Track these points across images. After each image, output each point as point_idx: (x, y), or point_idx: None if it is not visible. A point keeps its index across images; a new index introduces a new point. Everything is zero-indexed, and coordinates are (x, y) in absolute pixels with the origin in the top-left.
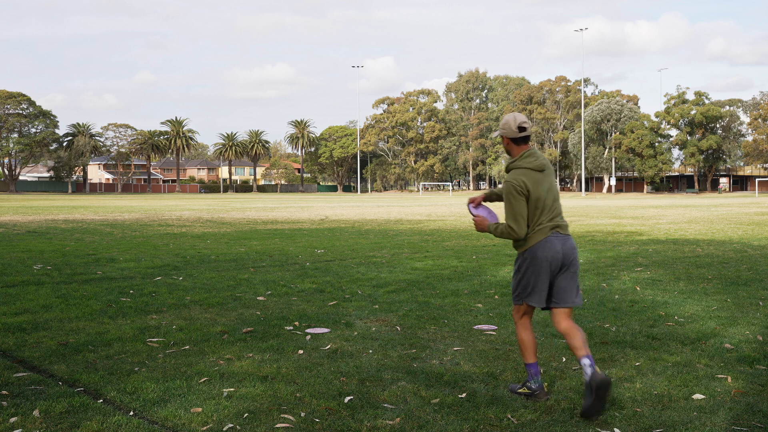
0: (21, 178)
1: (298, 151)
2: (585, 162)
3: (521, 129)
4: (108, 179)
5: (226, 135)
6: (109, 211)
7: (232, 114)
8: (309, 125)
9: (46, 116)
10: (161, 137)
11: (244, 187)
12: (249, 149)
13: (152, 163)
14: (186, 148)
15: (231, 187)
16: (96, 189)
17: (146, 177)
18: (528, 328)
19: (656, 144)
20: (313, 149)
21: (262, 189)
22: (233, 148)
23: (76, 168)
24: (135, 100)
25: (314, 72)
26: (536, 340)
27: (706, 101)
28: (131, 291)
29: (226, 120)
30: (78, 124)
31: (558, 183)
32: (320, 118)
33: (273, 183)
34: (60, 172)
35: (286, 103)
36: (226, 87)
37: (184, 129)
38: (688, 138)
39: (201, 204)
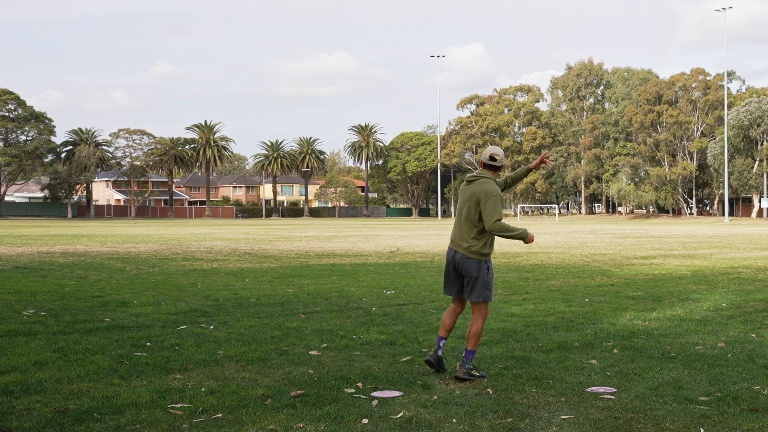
0: (7, 198)
1: (361, 164)
2: (728, 178)
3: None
4: (119, 200)
5: (269, 144)
6: (119, 240)
7: (277, 117)
8: (376, 131)
9: (40, 119)
10: (186, 147)
11: (293, 211)
12: (299, 162)
13: (175, 180)
14: (218, 161)
15: (276, 210)
16: (103, 213)
17: (167, 197)
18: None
19: None
20: (380, 162)
21: (315, 213)
22: (278, 160)
23: (78, 186)
24: (153, 99)
25: (382, 63)
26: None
27: None
28: (148, 343)
29: (270, 125)
30: (80, 129)
31: (694, 204)
32: (390, 122)
33: (329, 205)
34: (57, 191)
35: (346, 102)
36: (270, 82)
37: (215, 136)
38: None
39: (237, 232)
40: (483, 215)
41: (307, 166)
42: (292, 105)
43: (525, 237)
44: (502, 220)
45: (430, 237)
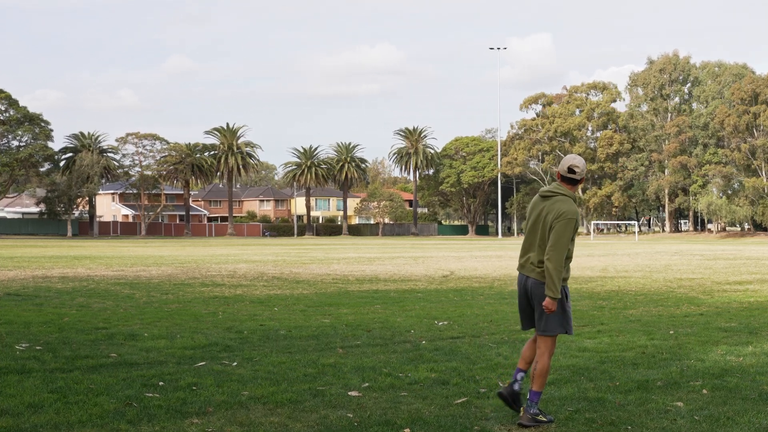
0: None
1: (408, 174)
2: None
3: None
4: (126, 216)
5: (301, 150)
6: (127, 263)
7: (311, 119)
8: (426, 136)
9: (35, 122)
10: (205, 154)
11: (330, 228)
12: (336, 171)
13: (192, 193)
14: (243, 170)
15: (309, 227)
16: (109, 230)
17: (183, 213)
18: None
19: None
20: (431, 171)
21: (355, 230)
22: (312, 169)
23: (79, 199)
24: (166, 99)
25: (433, 57)
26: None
27: None
28: (161, 383)
29: (302, 128)
30: (81, 134)
31: None
32: (442, 126)
33: (372, 222)
34: (55, 205)
35: (390, 102)
36: (302, 79)
37: (239, 141)
38: None
39: (265, 253)
40: (551, 238)
41: (346, 177)
42: (327, 105)
43: (555, 298)
44: (566, 255)
45: (489, 259)
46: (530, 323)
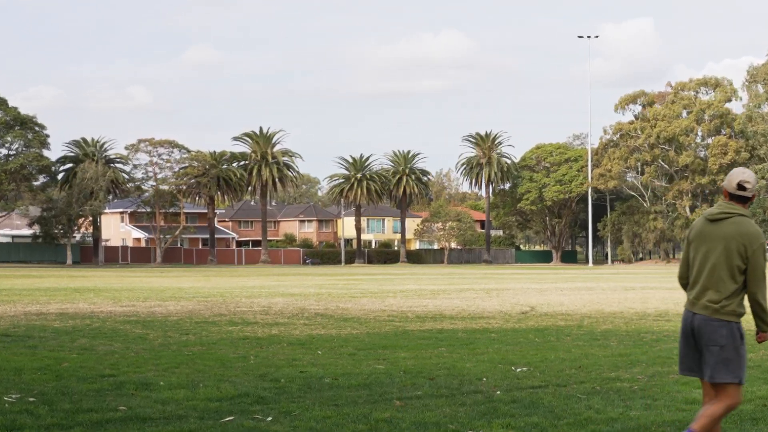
0: None
1: (480, 188)
2: None
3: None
4: (138, 240)
5: (350, 161)
6: (139, 296)
7: (362, 124)
8: (501, 142)
9: (27, 126)
10: (234, 164)
11: (384, 254)
12: (392, 186)
13: (218, 212)
14: (279, 185)
15: (360, 253)
16: (117, 257)
17: (207, 236)
18: None
19: None
20: (507, 186)
21: (415, 257)
22: (364, 183)
23: (81, 220)
24: (186, 98)
25: (509, 47)
26: None
27: None
28: None
29: (351, 134)
30: (84, 140)
31: None
32: (521, 130)
33: (435, 247)
34: (51, 226)
35: (457, 102)
36: (349, 75)
37: (275, 150)
38: None
39: (306, 284)
40: (750, 270)
41: (404, 192)
42: (381, 106)
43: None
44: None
45: (578, 292)
46: (690, 365)
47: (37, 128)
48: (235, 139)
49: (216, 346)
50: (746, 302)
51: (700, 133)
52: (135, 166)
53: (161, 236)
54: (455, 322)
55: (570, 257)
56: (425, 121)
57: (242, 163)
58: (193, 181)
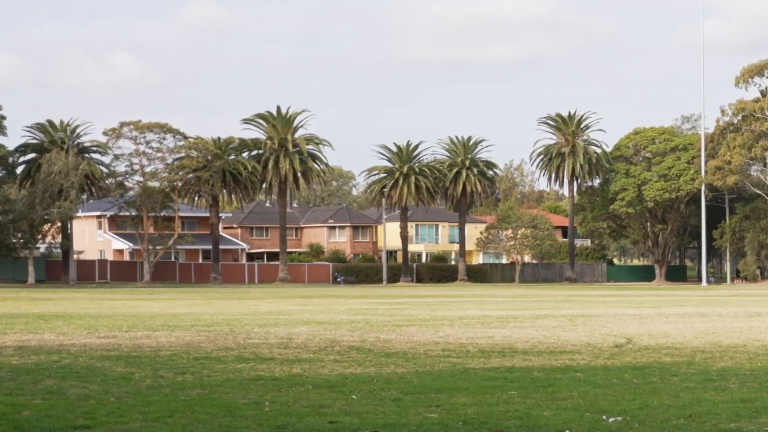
0: None
1: (561, 186)
2: None
3: None
4: (121, 252)
5: (394, 150)
6: (122, 325)
7: (409, 102)
8: (589, 126)
9: None
10: (244, 154)
11: (438, 270)
12: (448, 183)
13: (224, 215)
14: (302, 180)
15: (407, 269)
16: (93, 274)
17: (210, 247)
18: None
19: None
20: (597, 182)
21: (478, 274)
22: (412, 179)
23: (47, 226)
24: (182, 68)
25: (599, 4)
26: None
27: None
28: None
29: (395, 115)
30: (51, 123)
31: None
32: (614, 110)
33: (504, 261)
34: (8, 235)
35: (531, 74)
36: (392, 40)
37: (297, 136)
38: None
39: (338, 309)
40: None
41: (464, 191)
42: (434, 79)
43: None
44: None
45: (688, 319)
46: None
47: None
48: (246, 122)
49: (221, 389)
50: None
51: None
52: (116, 157)
53: (150, 247)
54: (529, 357)
55: (677, 274)
56: (491, 98)
57: (255, 152)
58: (191, 176)
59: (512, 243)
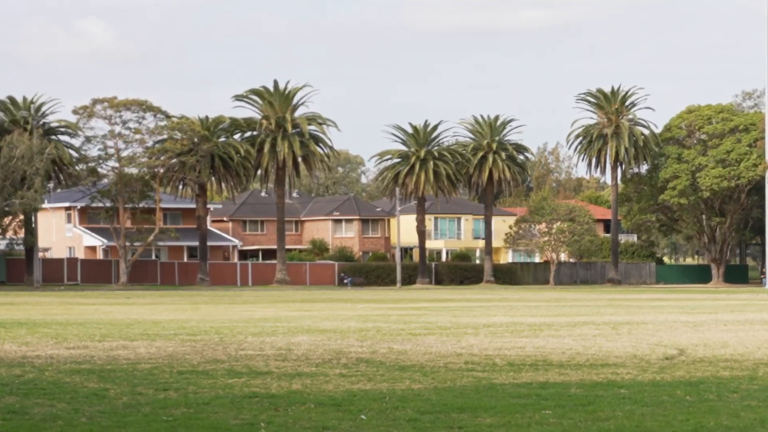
0: None
1: (603, 173)
2: None
3: None
4: (93, 249)
5: (409, 132)
6: (95, 333)
7: (427, 75)
8: (635, 104)
9: None
10: (236, 136)
11: (462, 271)
12: (472, 169)
13: (212, 206)
14: (303, 166)
15: (425, 270)
16: (61, 274)
17: (197, 243)
18: None
19: None
20: (644, 168)
21: (506, 274)
22: (430, 165)
23: (7, 219)
24: (164, 37)
25: None
26: None
27: None
28: None
29: (410, 91)
30: (12, 101)
31: None
32: (663, 85)
33: (536, 260)
34: None
35: (567, 43)
36: (406, 2)
37: (297, 115)
38: None
39: (344, 314)
40: None
41: (490, 179)
42: (456, 50)
43: None
44: None
45: (750, 326)
46: None
47: None
48: (238, 98)
49: (209, 408)
50: None
51: None
52: (88, 140)
53: (127, 244)
54: (566, 371)
55: (737, 275)
56: (521, 72)
57: (249, 134)
58: (174, 161)
59: (546, 239)
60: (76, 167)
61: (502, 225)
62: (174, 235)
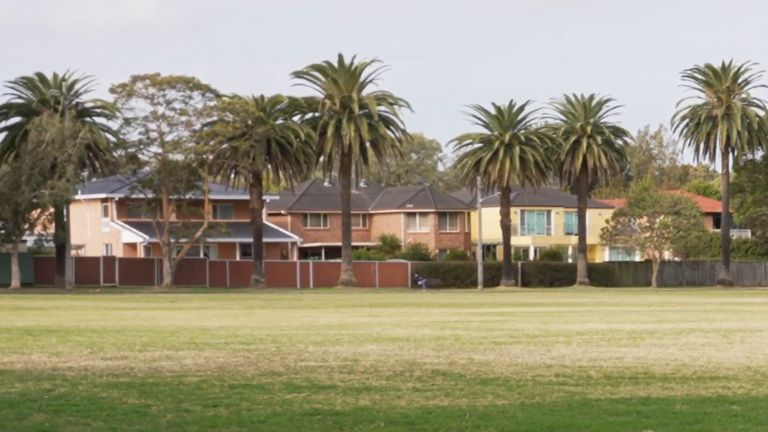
0: None
1: (711, 161)
2: None
3: None
4: (133, 246)
5: (492, 113)
6: (135, 342)
7: (509, 49)
8: (749, 81)
9: None
10: (295, 118)
11: (552, 271)
12: (563, 155)
13: (268, 197)
14: (372, 152)
15: (510, 270)
16: (97, 275)
17: (251, 240)
18: None
19: None
20: (758, 154)
21: (603, 275)
22: (515, 150)
23: (36, 213)
24: (213, 7)
25: None
26: None
27: None
28: None
29: (492, 67)
30: (41, 78)
31: None
32: None
33: (637, 259)
34: None
35: (670, 13)
36: None
37: (364, 94)
38: None
39: (418, 321)
40: None
41: (584, 166)
42: (542, 20)
43: None
44: None
45: None
46: None
47: None
48: (298, 75)
49: (264, 427)
50: None
51: None
52: (127, 122)
53: (172, 240)
54: (670, 385)
55: None
56: (618, 45)
57: (309, 116)
58: (225, 146)
59: (648, 235)
60: (114, 153)
61: (597, 219)
62: (225, 231)
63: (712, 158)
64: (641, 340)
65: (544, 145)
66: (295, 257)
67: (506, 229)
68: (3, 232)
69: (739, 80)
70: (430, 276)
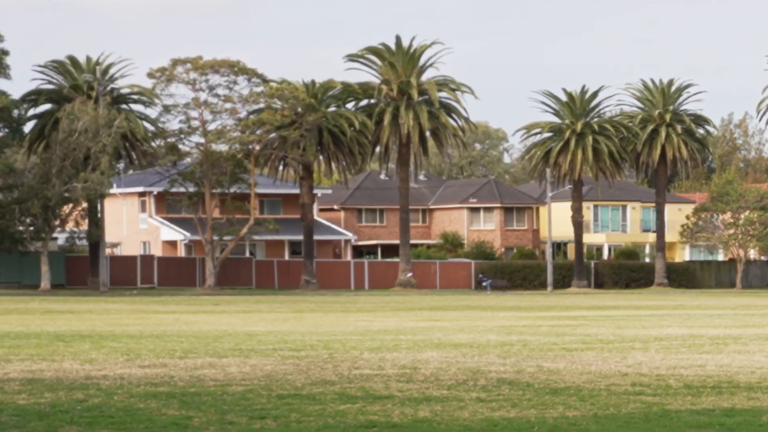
0: None
1: None
2: None
3: None
4: (173, 243)
5: (563, 100)
6: (175, 348)
7: (582, 30)
8: None
9: None
10: (348, 105)
11: (628, 271)
12: (640, 146)
13: (319, 191)
14: (433, 142)
15: (582, 270)
16: (133, 275)
17: (300, 238)
18: None
19: None
20: None
21: (683, 275)
22: (588, 140)
23: (67, 208)
24: None
25: None
26: None
27: None
28: None
29: (563, 50)
30: (73, 61)
31: None
32: None
33: (720, 258)
34: (12, 220)
35: None
36: None
37: (424, 80)
38: None
39: (482, 325)
40: None
41: (663, 157)
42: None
43: None
44: None
45: None
46: None
47: None
48: (352, 58)
49: None
50: None
51: None
52: (167, 109)
53: (215, 238)
54: (757, 395)
55: None
56: (699, 25)
57: (364, 103)
58: (273, 135)
59: (732, 232)
60: (152, 143)
61: (677, 215)
62: (273, 227)
63: None
64: (725, 347)
65: (619, 135)
66: (348, 256)
67: (578, 225)
68: (32, 229)
69: None
70: (495, 276)
